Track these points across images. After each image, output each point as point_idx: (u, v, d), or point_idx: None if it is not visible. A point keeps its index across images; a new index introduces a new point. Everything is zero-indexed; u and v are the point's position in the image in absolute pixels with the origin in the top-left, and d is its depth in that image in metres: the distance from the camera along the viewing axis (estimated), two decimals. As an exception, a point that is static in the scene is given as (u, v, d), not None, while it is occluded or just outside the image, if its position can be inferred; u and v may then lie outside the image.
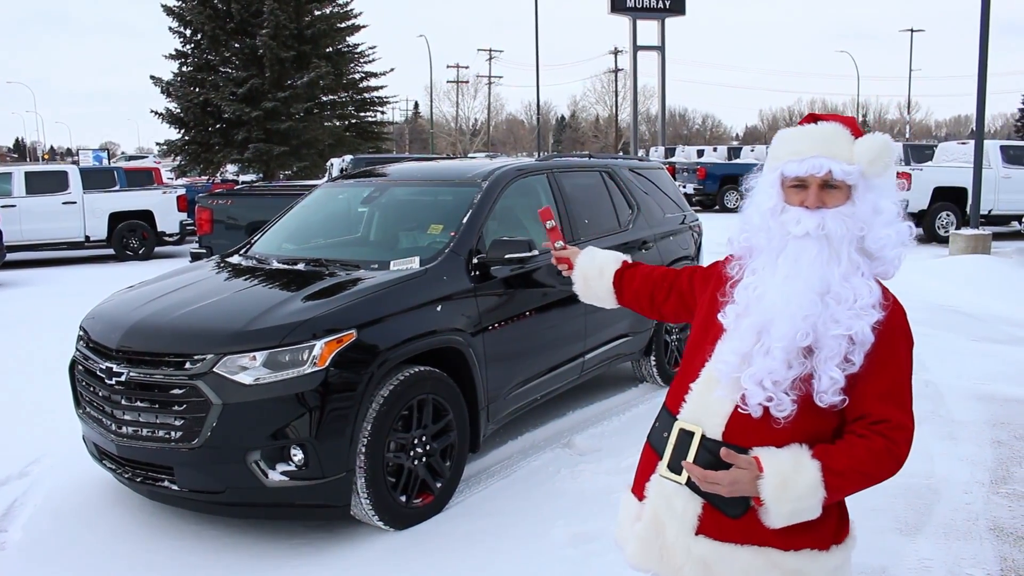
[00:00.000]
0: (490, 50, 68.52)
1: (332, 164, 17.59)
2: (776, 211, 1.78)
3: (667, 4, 30.07)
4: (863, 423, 1.71)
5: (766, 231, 1.78)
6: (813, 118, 1.83)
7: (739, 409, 1.74)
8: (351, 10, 27.12)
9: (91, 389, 3.87)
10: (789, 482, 1.65)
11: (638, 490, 1.96)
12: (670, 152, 30.20)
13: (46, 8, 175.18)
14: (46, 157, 63.73)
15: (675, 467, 1.82)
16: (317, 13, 26.05)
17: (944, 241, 14.19)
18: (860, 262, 1.72)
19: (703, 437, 1.78)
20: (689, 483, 1.79)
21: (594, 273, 2.31)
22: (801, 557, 1.76)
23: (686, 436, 1.81)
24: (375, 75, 28.20)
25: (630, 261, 2.33)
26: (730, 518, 1.76)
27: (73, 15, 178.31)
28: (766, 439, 1.71)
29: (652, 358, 5.99)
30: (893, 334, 1.73)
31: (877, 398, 1.70)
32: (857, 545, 1.89)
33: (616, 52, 67.08)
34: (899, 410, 1.71)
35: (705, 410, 1.80)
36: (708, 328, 1.89)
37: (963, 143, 17.34)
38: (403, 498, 3.78)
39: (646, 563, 1.88)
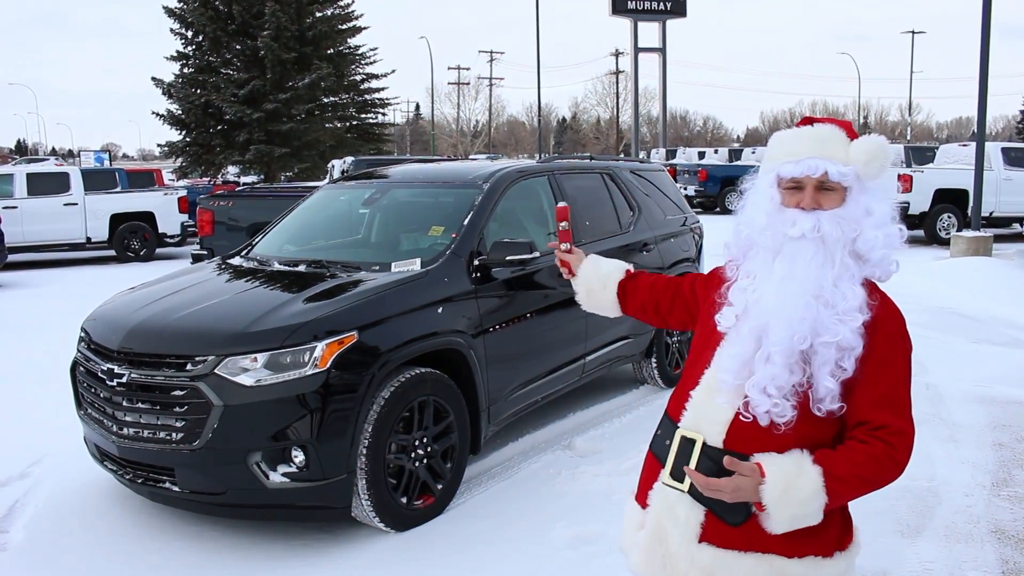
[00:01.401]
0: (491, 52, 68.67)
1: (333, 166, 17.61)
2: (772, 212, 1.77)
3: (668, 6, 30.08)
4: (863, 429, 1.70)
5: (762, 232, 1.78)
6: (809, 120, 1.84)
7: (740, 416, 1.74)
8: (352, 12, 27.22)
9: (92, 390, 3.87)
10: (791, 487, 1.63)
11: (641, 498, 1.95)
12: (671, 154, 30.21)
13: (47, 10, 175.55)
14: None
15: (677, 475, 1.81)
16: (318, 15, 26.13)
17: (945, 243, 14.19)
18: (851, 265, 1.73)
19: (704, 445, 1.77)
20: (692, 491, 1.78)
21: (597, 285, 2.29)
22: (805, 564, 1.75)
23: (687, 444, 1.80)
24: (376, 76, 28.30)
25: (633, 270, 2.31)
26: (731, 526, 1.75)
27: (74, 17, 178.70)
28: (767, 446, 1.70)
29: (653, 360, 5.99)
30: (890, 340, 1.73)
31: (874, 405, 1.70)
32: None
33: (617, 54, 67.14)
34: (897, 416, 1.70)
35: (706, 417, 1.79)
36: (709, 335, 1.88)
37: (964, 145, 17.35)
38: (404, 499, 3.78)
39: (650, 571, 1.87)
